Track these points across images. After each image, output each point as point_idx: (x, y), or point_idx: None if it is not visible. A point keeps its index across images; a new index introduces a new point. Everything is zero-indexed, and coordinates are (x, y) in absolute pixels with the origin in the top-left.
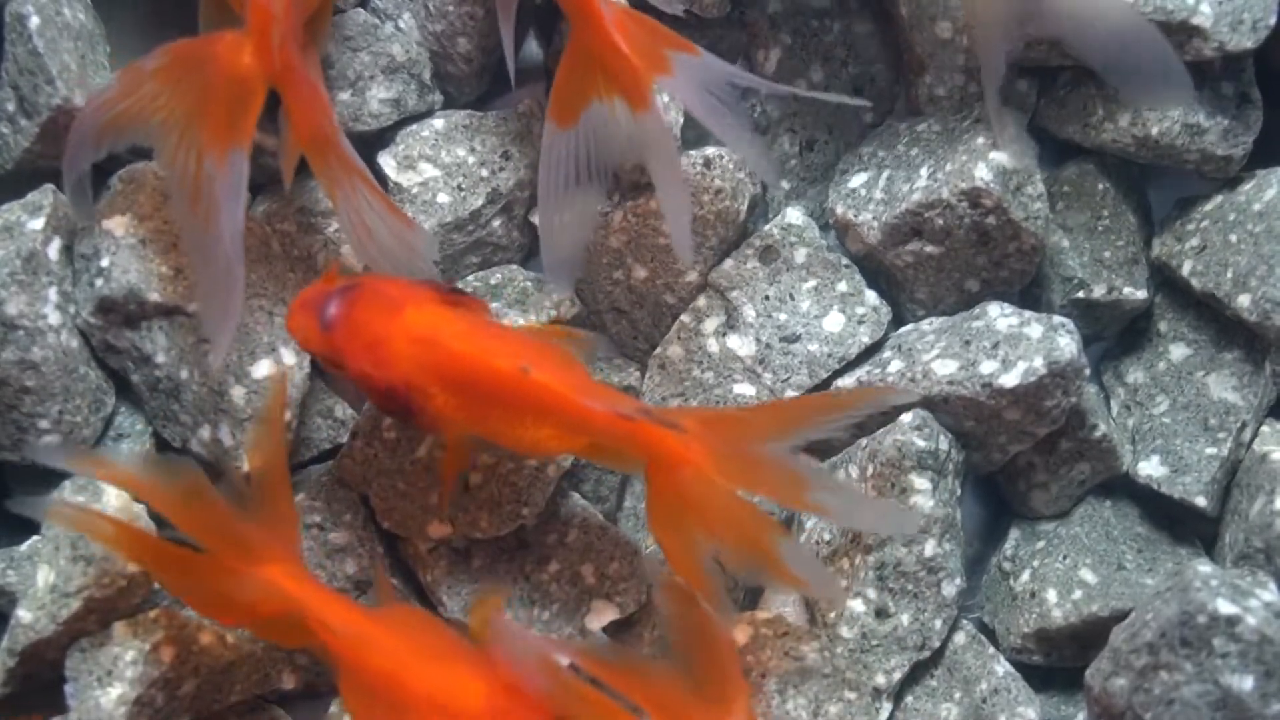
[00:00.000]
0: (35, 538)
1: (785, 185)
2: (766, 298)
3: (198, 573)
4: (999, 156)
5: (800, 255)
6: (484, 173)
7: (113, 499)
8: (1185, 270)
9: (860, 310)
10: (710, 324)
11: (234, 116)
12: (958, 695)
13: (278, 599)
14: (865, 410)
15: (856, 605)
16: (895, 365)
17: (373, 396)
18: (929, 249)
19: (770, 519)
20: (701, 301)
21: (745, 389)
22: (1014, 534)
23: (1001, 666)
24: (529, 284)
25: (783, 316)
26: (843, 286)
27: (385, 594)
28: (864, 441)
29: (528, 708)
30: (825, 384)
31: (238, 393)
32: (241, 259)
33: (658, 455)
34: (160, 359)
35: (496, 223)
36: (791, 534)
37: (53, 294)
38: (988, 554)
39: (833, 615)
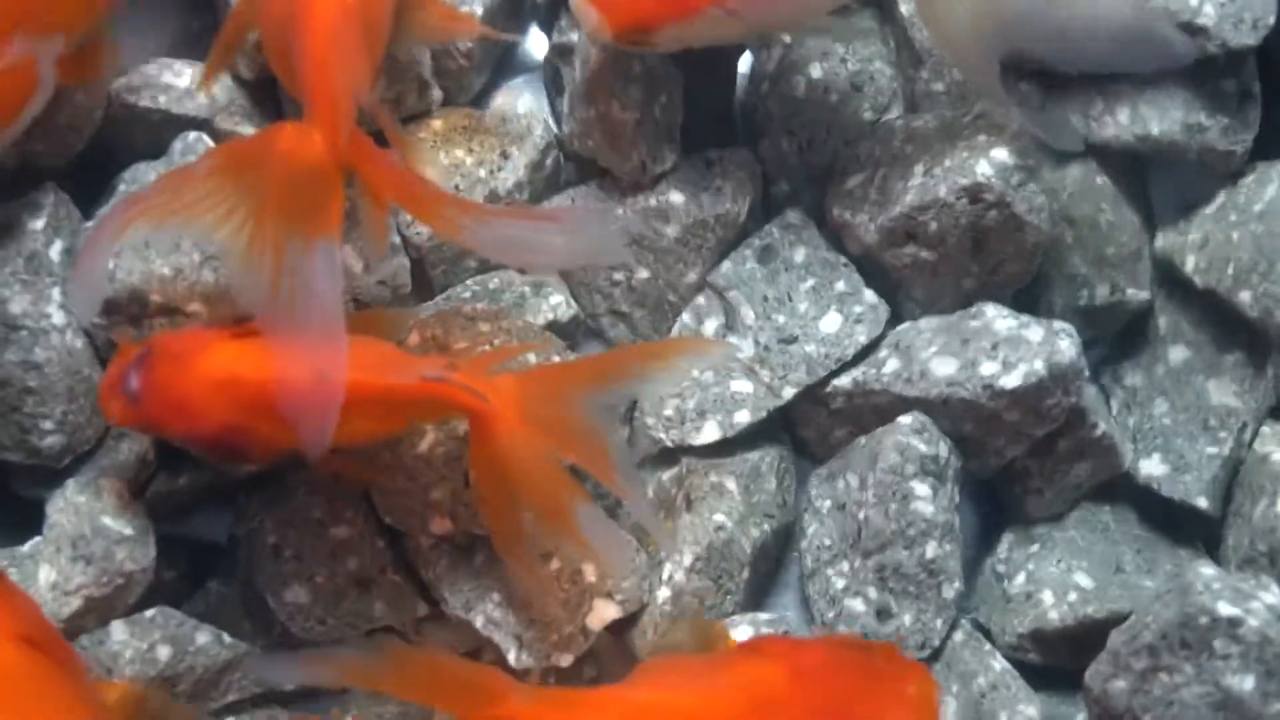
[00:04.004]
0: (37, 538)
1: (785, 186)
2: (765, 298)
3: None
4: (1001, 153)
5: (799, 255)
6: (482, 173)
7: (113, 499)
8: (1188, 266)
9: (858, 309)
10: (710, 324)
11: (314, 207)
12: (956, 689)
13: None
14: (685, 361)
15: (857, 605)
16: (892, 364)
17: (201, 450)
18: (924, 254)
19: (574, 483)
20: (701, 300)
21: (743, 386)
22: (1008, 538)
23: (999, 664)
24: (526, 288)
25: (781, 318)
26: (840, 286)
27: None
28: (863, 440)
29: None
30: (823, 383)
31: None
32: (344, 339)
33: (469, 410)
34: None
35: None
36: (593, 501)
37: (56, 294)
38: (982, 558)
39: (831, 615)
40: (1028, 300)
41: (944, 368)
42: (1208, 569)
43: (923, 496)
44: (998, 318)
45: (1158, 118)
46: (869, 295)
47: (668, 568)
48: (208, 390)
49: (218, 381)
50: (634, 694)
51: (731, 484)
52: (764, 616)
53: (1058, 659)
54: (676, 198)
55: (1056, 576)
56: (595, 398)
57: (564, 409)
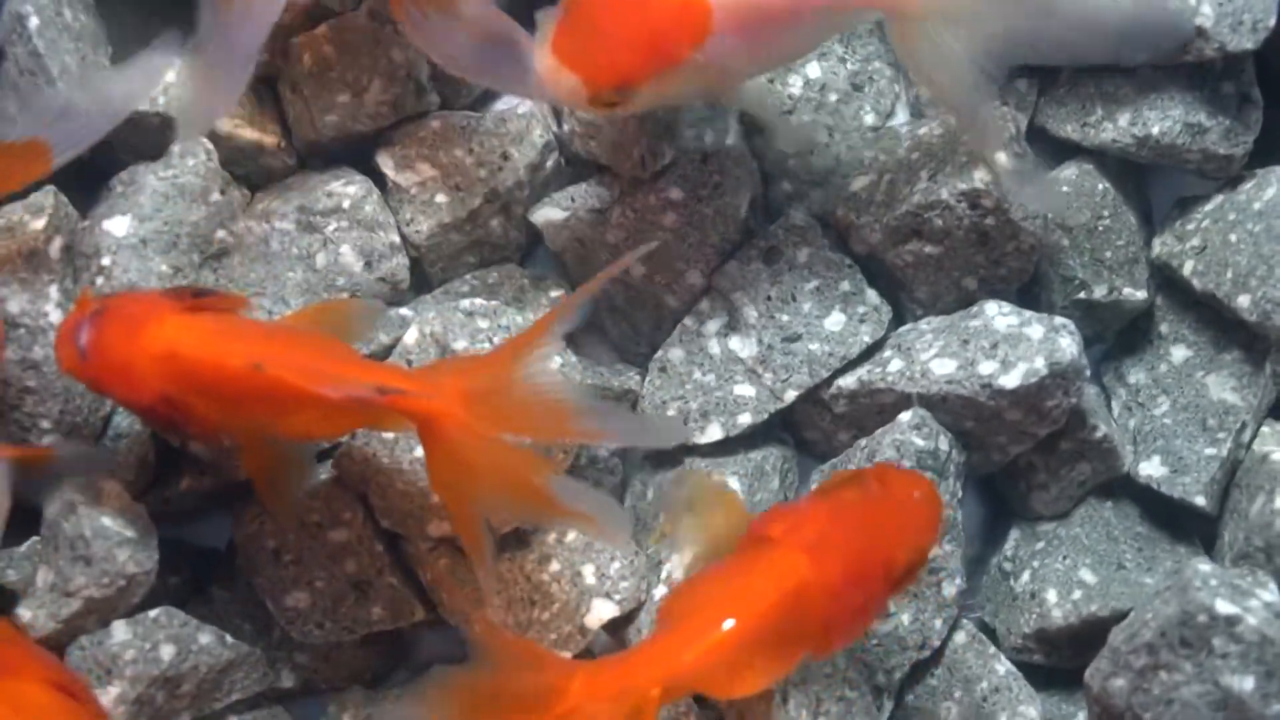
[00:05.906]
0: (35, 538)
1: (787, 186)
2: (769, 298)
3: None
4: (999, 157)
5: (803, 255)
6: (482, 173)
7: (113, 498)
8: (1186, 270)
9: (861, 309)
10: (712, 326)
11: None
12: (958, 694)
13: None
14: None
15: None
16: (895, 364)
17: (140, 417)
18: (928, 249)
19: (539, 458)
20: (704, 305)
21: (746, 390)
22: (1014, 534)
23: (1002, 666)
24: (526, 281)
25: (785, 317)
26: (845, 286)
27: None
28: (863, 442)
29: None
30: (827, 383)
31: None
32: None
33: (416, 419)
34: None
35: (494, 222)
36: (561, 471)
37: (54, 292)
38: (988, 554)
39: None
40: (1027, 299)
41: (944, 368)
42: (1205, 565)
43: None
44: (998, 315)
45: (1158, 119)
46: (872, 296)
47: (666, 568)
48: (146, 361)
49: (156, 354)
50: (680, 652)
51: (735, 483)
52: None
53: (1061, 659)
54: (675, 194)
55: (1061, 574)
56: (533, 367)
57: (510, 391)
